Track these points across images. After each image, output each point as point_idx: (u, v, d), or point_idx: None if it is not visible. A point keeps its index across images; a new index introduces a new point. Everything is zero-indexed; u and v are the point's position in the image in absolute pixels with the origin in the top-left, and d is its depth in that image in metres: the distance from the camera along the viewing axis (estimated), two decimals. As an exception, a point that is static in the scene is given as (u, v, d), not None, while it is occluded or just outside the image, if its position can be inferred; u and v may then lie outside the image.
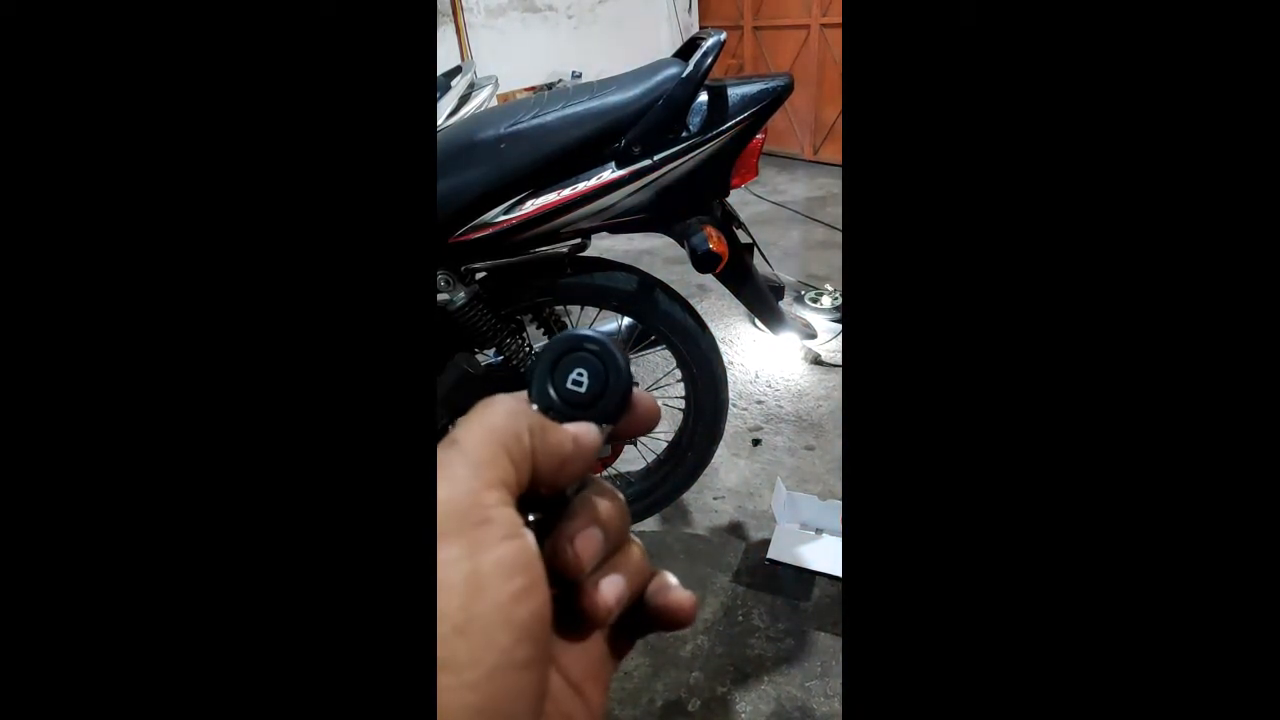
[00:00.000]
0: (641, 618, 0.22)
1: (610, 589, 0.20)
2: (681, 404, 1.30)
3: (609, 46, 4.30)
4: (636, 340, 1.25)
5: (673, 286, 1.19)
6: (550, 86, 3.34)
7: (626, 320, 1.24)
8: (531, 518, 0.19)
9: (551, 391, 0.22)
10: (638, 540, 0.23)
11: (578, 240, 1.07)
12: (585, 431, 0.21)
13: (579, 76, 4.14)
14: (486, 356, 1.20)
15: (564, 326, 1.32)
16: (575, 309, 1.32)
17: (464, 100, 1.80)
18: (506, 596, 0.17)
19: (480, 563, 0.17)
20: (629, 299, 1.14)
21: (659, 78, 0.99)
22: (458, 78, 1.88)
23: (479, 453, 0.18)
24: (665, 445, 1.37)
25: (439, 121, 1.73)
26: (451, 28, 3.65)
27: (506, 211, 0.97)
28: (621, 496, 0.22)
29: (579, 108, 0.97)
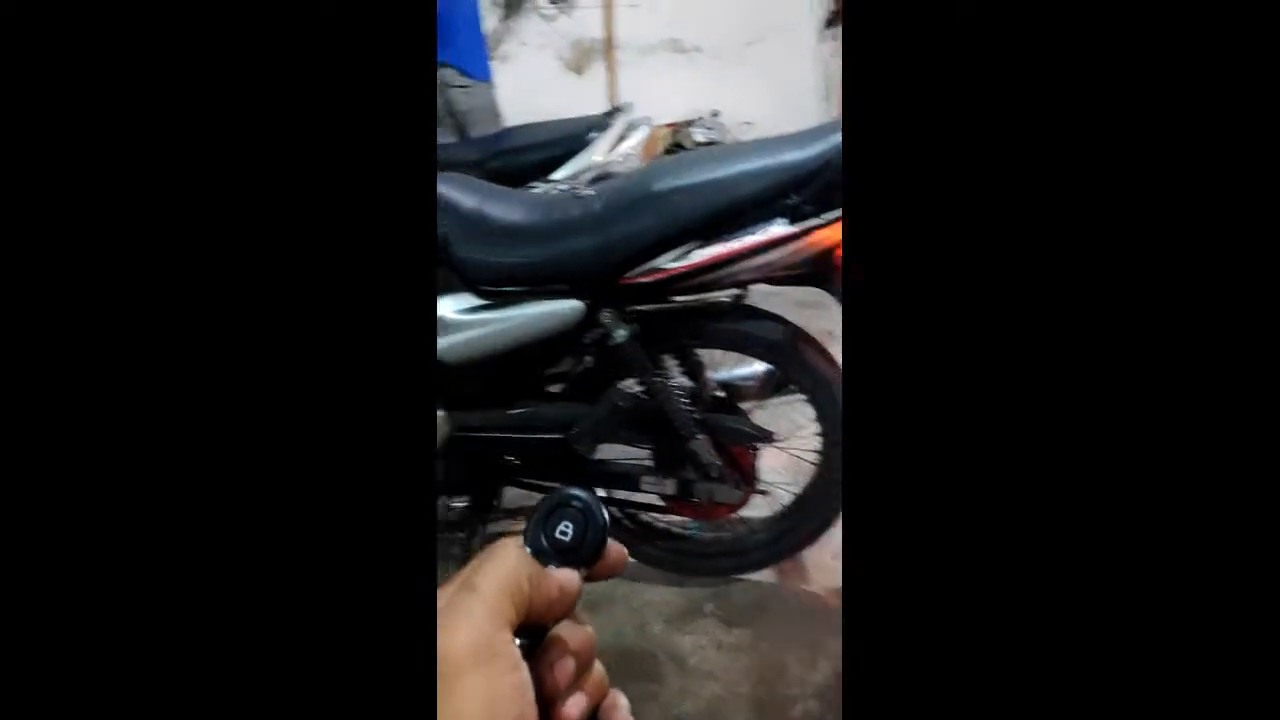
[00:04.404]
0: None
1: (574, 708, 0.25)
2: (810, 457, 1.28)
3: (748, 87, 4.36)
4: (776, 387, 1.25)
5: (803, 329, 1.18)
6: (690, 123, 3.43)
7: (763, 366, 1.25)
8: (518, 642, 0.23)
9: (543, 538, 0.27)
10: (599, 664, 0.27)
11: (739, 291, 1.10)
12: (569, 580, 0.26)
13: (717, 115, 4.21)
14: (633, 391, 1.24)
15: (702, 368, 1.35)
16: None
17: (621, 140, 1.89)
18: (514, 715, 0.21)
19: (495, 689, 0.21)
20: (774, 349, 1.15)
21: (835, 139, 1.01)
22: (617, 116, 1.98)
23: (492, 600, 0.23)
24: (792, 498, 1.36)
25: (593, 159, 1.82)
26: (602, 64, 3.83)
27: (675, 259, 1.02)
28: (589, 629, 0.27)
29: (755, 164, 1.01)
